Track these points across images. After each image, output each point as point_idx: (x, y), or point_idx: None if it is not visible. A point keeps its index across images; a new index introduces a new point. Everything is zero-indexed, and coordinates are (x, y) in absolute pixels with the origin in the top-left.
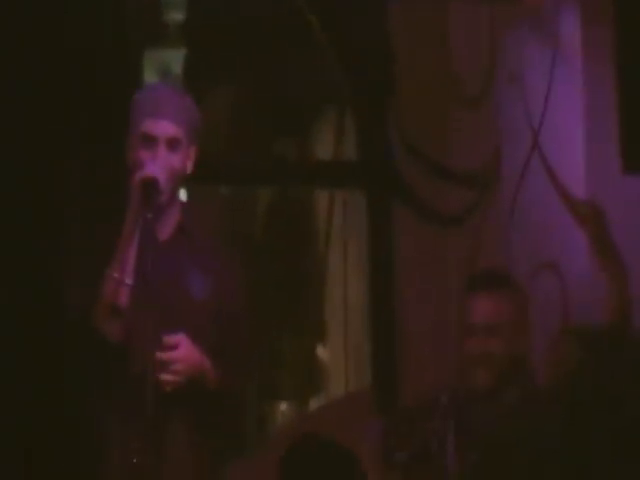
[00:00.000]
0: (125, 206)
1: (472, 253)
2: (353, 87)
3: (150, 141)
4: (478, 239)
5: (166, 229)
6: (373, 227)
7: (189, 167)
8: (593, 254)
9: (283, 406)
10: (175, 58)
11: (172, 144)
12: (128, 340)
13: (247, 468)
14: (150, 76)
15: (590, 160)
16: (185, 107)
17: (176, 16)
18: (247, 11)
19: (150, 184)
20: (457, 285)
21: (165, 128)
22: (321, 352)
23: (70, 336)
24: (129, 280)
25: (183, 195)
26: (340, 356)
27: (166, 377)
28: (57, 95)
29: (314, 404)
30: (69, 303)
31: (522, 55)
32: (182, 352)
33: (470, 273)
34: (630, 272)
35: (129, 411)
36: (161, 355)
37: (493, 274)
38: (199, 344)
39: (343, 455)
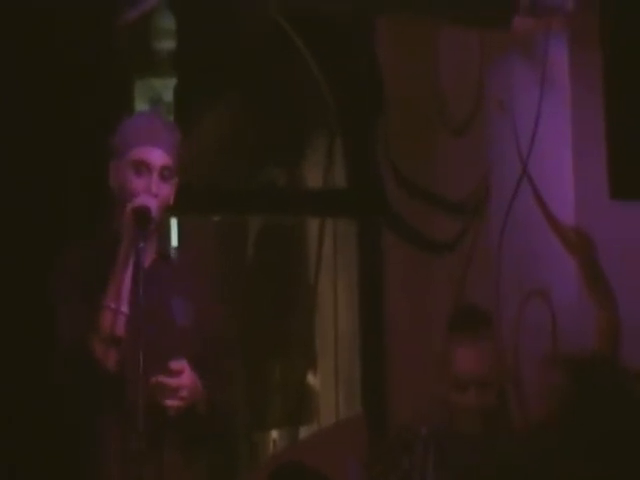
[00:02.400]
0: (115, 234)
1: (461, 280)
2: (342, 115)
3: (143, 169)
4: (467, 266)
5: (147, 257)
6: (363, 254)
7: (172, 197)
8: (582, 281)
9: (274, 434)
10: (166, 86)
11: (164, 173)
12: (124, 369)
13: None
14: (141, 104)
15: (579, 186)
16: (175, 137)
17: (166, 45)
18: (236, 39)
19: (143, 213)
20: (446, 312)
21: (159, 157)
22: (312, 380)
23: (68, 368)
24: (125, 309)
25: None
26: (331, 384)
27: (173, 403)
28: (47, 125)
29: (305, 432)
30: (67, 335)
31: (511, 81)
32: (187, 378)
33: (458, 300)
34: (619, 298)
35: (127, 439)
36: (168, 381)
37: (473, 316)
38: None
39: None
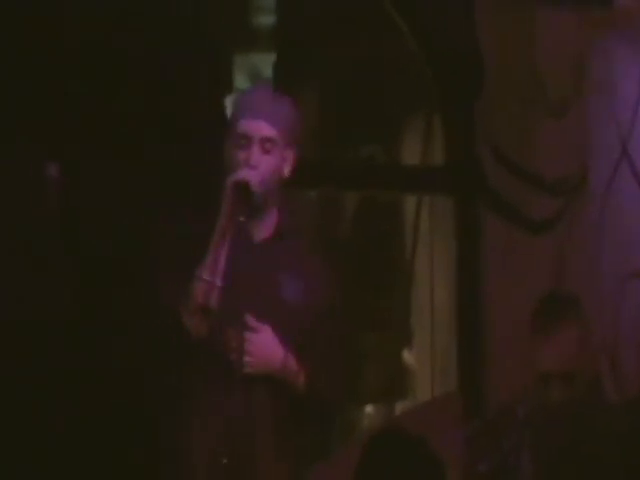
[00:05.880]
0: (218, 207)
1: (560, 259)
2: (442, 92)
3: (245, 141)
4: (566, 246)
5: (264, 231)
6: (460, 231)
7: (286, 170)
8: None
9: (369, 409)
10: (265, 62)
11: (266, 145)
12: (214, 338)
13: (330, 470)
14: (240, 81)
15: None
16: (282, 108)
17: (266, 19)
18: (337, 15)
19: (243, 187)
20: (544, 290)
21: (259, 128)
22: (407, 356)
23: (159, 334)
24: (219, 282)
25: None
26: (426, 360)
27: (237, 357)
28: (149, 102)
29: (400, 408)
30: (161, 302)
31: (612, 62)
32: (260, 337)
33: (557, 280)
34: None
35: (215, 409)
36: (239, 333)
37: (555, 307)
38: (289, 346)
39: (429, 455)
